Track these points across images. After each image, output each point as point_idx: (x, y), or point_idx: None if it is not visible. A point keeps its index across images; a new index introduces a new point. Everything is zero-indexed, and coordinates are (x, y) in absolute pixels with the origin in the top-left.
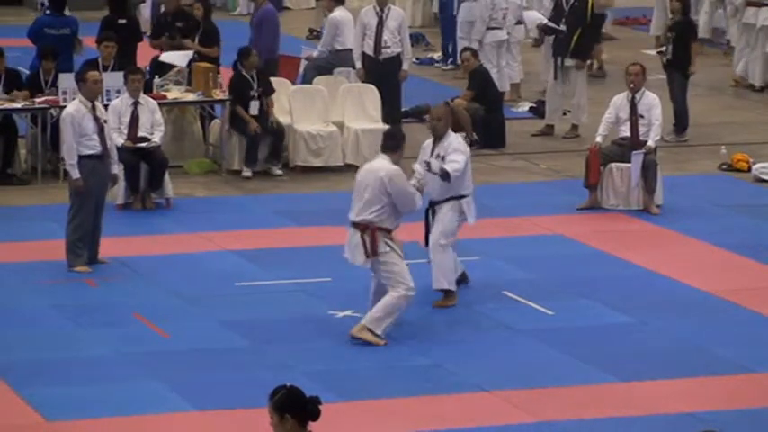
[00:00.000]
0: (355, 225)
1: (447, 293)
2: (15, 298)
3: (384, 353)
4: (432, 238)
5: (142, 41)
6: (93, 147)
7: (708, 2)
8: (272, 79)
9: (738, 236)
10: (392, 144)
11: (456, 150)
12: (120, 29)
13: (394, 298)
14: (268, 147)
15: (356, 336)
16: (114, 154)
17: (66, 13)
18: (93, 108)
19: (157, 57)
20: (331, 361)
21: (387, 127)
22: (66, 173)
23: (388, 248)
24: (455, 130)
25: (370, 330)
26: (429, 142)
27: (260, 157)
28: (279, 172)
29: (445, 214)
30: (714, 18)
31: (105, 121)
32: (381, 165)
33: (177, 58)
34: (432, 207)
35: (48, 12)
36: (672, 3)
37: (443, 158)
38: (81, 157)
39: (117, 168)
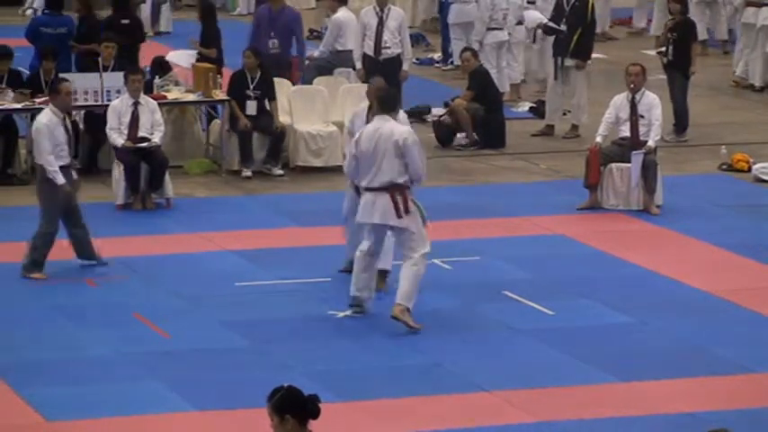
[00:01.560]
0: (382, 189)
1: (386, 274)
2: (15, 298)
3: (384, 353)
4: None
5: (144, 42)
6: (65, 157)
7: (693, 3)
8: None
9: (738, 236)
10: (392, 104)
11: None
12: (122, 29)
13: (415, 268)
14: (267, 147)
15: (398, 318)
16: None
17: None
18: (64, 119)
19: (158, 57)
20: (331, 361)
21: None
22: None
23: (414, 208)
24: (456, 131)
25: (408, 311)
26: (364, 106)
27: (259, 158)
28: (279, 172)
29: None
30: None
31: (72, 132)
32: (394, 128)
33: (181, 57)
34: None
35: (45, 11)
36: (671, 4)
37: None
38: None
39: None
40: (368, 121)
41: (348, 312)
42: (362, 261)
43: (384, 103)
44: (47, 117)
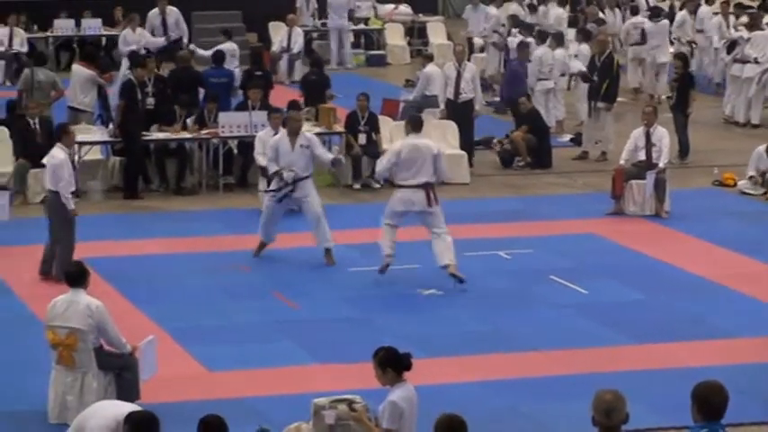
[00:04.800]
0: (420, 186)
1: (330, 251)
2: (187, 279)
3: (458, 321)
4: (317, 209)
5: (273, 89)
6: (74, 185)
7: (629, 59)
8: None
9: (727, 235)
10: (420, 126)
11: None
12: (257, 79)
13: (449, 238)
14: (372, 168)
15: (454, 273)
16: None
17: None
18: (70, 155)
19: (293, 100)
20: (419, 327)
21: (460, 151)
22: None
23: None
24: (515, 155)
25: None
26: (282, 134)
27: (366, 175)
28: (377, 185)
29: (312, 191)
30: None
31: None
32: (428, 142)
33: None
34: (294, 182)
35: (212, 66)
36: (675, 61)
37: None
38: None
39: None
40: (291, 145)
41: (432, 291)
42: (391, 234)
43: (416, 125)
44: (63, 153)
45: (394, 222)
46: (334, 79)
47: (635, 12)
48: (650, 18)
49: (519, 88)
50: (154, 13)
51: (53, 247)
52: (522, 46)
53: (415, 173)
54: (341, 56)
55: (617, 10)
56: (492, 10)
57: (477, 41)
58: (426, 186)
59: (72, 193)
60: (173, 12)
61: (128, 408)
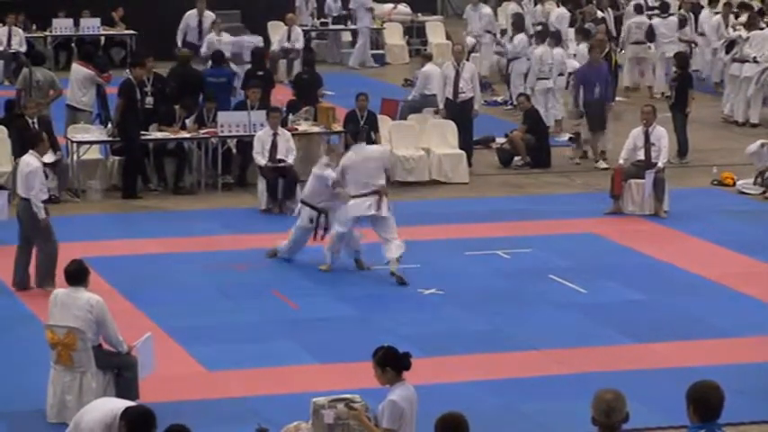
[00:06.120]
0: (374, 192)
1: (360, 259)
2: (186, 279)
3: (457, 320)
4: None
5: (274, 88)
6: (46, 193)
7: (627, 59)
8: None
9: (726, 234)
10: (361, 135)
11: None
12: (258, 79)
13: (399, 242)
14: None
15: (397, 273)
16: None
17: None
18: (54, 160)
19: (292, 100)
20: (419, 326)
21: (459, 151)
22: (40, 212)
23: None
24: (513, 155)
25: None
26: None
27: None
28: None
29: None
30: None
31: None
32: (377, 148)
33: None
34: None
35: (211, 65)
36: (675, 61)
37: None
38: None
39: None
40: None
41: (432, 290)
42: (344, 240)
43: (357, 135)
44: (36, 161)
45: (346, 228)
46: (333, 78)
47: (639, 10)
48: (659, 14)
49: (594, 90)
50: (191, 14)
51: (25, 253)
52: (594, 47)
53: (371, 179)
54: (361, 55)
55: (609, 10)
56: (485, 9)
57: (470, 40)
58: (379, 190)
59: (44, 201)
60: (210, 16)
61: (125, 404)
